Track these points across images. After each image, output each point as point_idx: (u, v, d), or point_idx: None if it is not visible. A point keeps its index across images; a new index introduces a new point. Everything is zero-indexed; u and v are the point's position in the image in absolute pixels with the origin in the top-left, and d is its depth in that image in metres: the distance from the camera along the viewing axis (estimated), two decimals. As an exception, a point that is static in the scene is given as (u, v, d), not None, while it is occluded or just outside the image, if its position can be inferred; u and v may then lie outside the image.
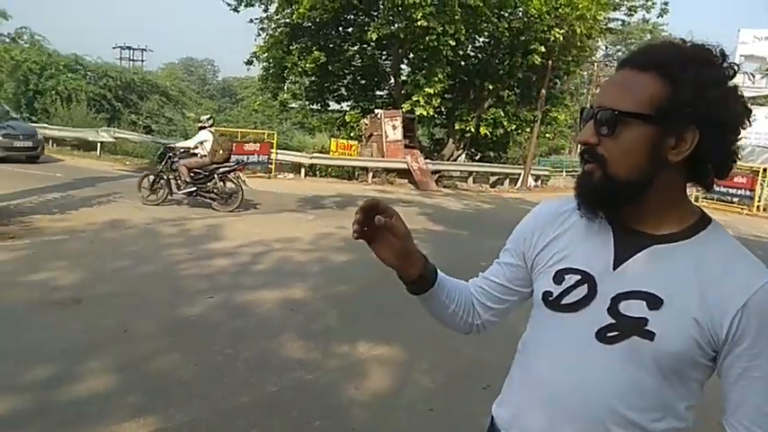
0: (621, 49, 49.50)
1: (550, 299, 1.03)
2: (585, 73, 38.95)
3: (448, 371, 3.88)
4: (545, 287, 1.05)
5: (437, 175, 18.61)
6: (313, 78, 21.12)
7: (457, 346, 4.21)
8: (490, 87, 20.20)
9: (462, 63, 20.57)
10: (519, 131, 22.06)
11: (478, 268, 1.24)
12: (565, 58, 20.63)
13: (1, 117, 14.40)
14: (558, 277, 1.03)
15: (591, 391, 0.96)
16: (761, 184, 18.11)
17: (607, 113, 0.94)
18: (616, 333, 0.95)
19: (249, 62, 20.95)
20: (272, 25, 20.06)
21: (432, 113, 18.93)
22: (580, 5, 17.39)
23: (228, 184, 9.58)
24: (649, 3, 20.44)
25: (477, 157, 22.80)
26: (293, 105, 23.55)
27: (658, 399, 0.95)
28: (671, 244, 0.97)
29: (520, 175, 21.29)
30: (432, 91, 17.85)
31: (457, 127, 20.50)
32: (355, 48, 20.72)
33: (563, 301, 1.02)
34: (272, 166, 16.37)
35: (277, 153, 16.67)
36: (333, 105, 23.11)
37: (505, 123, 20.31)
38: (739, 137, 0.96)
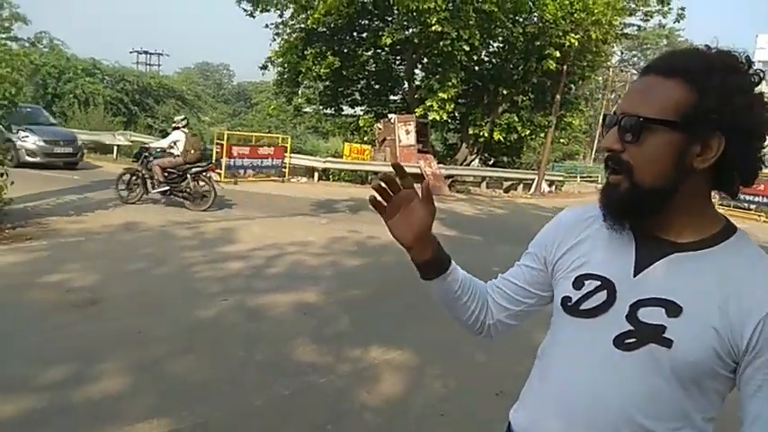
0: (637, 54, 49.28)
1: (569, 304, 1.03)
2: (600, 78, 38.79)
3: (460, 376, 3.86)
4: (564, 292, 1.04)
5: (450, 179, 18.56)
6: (327, 83, 21.21)
7: (469, 352, 4.20)
8: (504, 92, 20.15)
9: (476, 68, 20.55)
10: (533, 137, 21.94)
11: (491, 273, 1.24)
12: (580, 63, 20.53)
13: (20, 121, 14.39)
14: (578, 283, 1.02)
15: (608, 398, 0.95)
16: (779, 191, 17.82)
17: (632, 120, 0.93)
18: (634, 340, 0.94)
19: (264, 67, 21.08)
20: (288, 30, 20.17)
21: (445, 118, 18.90)
22: (596, 11, 17.29)
23: (201, 184, 9.75)
24: (665, 8, 20.26)
25: (490, 162, 22.74)
26: (307, 110, 23.69)
27: (676, 408, 0.93)
28: (693, 252, 0.95)
29: (533, 180, 21.17)
30: (445, 96, 17.83)
31: (470, 132, 20.47)
32: (369, 53, 20.76)
33: (582, 307, 1.01)
34: (286, 170, 16.47)
35: (291, 157, 16.78)
36: (346, 110, 23.20)
37: (519, 128, 20.23)
38: (765, 144, 0.95)
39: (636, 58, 49.68)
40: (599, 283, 1.00)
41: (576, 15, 17.50)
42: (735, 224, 1.00)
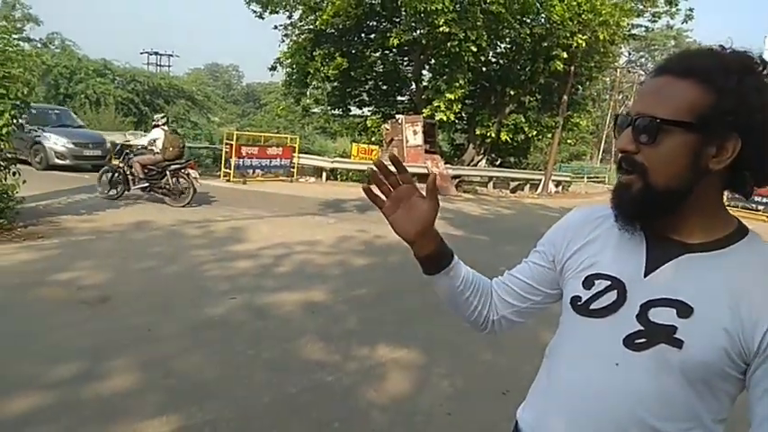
0: (644, 54, 49.06)
1: (579, 303, 1.02)
2: (608, 79, 38.62)
3: (466, 375, 3.88)
4: (574, 292, 1.04)
5: (457, 180, 18.55)
6: (335, 84, 21.28)
7: (475, 351, 4.22)
8: (511, 93, 20.14)
9: (484, 69, 20.51)
10: (540, 137, 21.90)
11: (498, 273, 1.24)
12: (587, 63, 20.48)
13: (48, 123, 14.11)
14: (588, 282, 1.02)
15: (616, 398, 0.95)
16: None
17: (647, 121, 0.92)
18: (644, 340, 0.94)
19: (273, 68, 21.19)
20: (296, 32, 20.25)
21: (452, 119, 18.90)
22: (603, 12, 17.25)
23: (181, 181, 9.86)
24: (673, 9, 20.15)
25: (497, 163, 22.70)
26: (315, 110, 23.78)
27: (686, 409, 0.93)
28: (704, 253, 0.95)
29: (540, 180, 21.12)
30: (452, 96, 17.85)
31: (478, 132, 20.44)
32: (377, 54, 20.81)
33: (591, 306, 1.00)
34: (294, 170, 16.52)
35: (299, 157, 16.84)
36: (354, 110, 23.27)
37: (526, 129, 20.21)
38: None
39: (643, 59, 49.48)
40: (609, 282, 0.99)
41: (583, 16, 17.46)
42: (747, 226, 0.99)
